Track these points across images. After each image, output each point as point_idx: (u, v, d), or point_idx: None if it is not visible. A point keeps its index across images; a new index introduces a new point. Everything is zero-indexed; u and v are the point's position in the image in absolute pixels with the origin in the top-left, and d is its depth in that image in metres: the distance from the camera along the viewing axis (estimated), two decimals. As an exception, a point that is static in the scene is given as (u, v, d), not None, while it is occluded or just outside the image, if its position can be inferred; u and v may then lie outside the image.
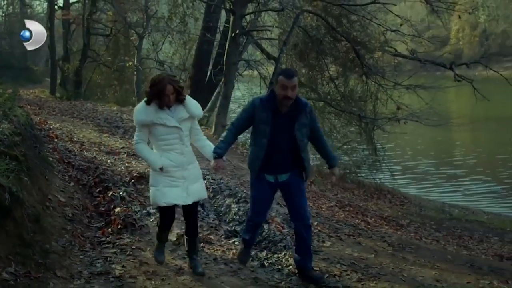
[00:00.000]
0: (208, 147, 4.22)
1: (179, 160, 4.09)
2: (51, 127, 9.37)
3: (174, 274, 4.12)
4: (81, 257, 4.18)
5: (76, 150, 7.82)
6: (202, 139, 4.29)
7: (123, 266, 4.09)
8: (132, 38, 20.77)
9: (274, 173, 4.16)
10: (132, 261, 4.22)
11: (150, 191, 4.20)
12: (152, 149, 4.22)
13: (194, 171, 4.21)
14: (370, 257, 5.07)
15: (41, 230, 4.11)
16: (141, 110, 4.10)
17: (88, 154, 7.72)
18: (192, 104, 4.18)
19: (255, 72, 14.59)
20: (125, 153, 8.20)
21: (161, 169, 4.06)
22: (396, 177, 14.29)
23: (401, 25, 11.98)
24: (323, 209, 7.72)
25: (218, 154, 4.13)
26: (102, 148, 8.43)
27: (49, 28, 19.54)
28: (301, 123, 4.07)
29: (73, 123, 10.77)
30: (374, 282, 4.30)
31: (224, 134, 4.33)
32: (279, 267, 4.48)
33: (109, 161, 7.49)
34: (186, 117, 4.13)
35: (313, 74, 12.32)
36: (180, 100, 4.10)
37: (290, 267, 4.43)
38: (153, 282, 3.89)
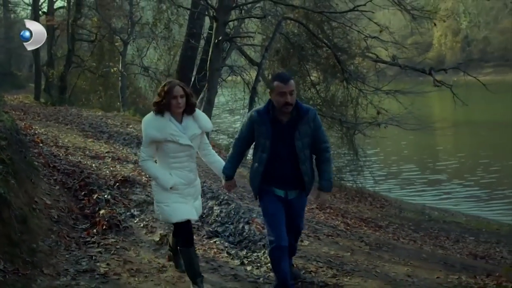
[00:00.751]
0: (218, 163, 4.12)
1: (188, 177, 3.96)
2: (36, 132, 9.46)
3: (157, 271, 4.30)
4: (67, 256, 4.34)
5: (61, 155, 7.94)
6: (211, 154, 4.16)
7: (107, 264, 4.26)
8: (116, 44, 20.82)
9: (284, 187, 3.94)
10: (116, 260, 4.39)
11: (158, 207, 4.01)
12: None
13: (198, 187, 4.15)
14: (346, 255, 5.29)
15: (28, 230, 4.26)
16: (151, 124, 3.87)
17: (73, 159, 7.84)
18: (203, 118, 4.03)
19: (239, 78, 14.84)
20: (110, 157, 8.34)
21: (171, 187, 3.91)
22: (379, 181, 14.60)
23: (380, 31, 12.26)
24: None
25: (227, 176, 4.06)
26: (87, 152, 8.54)
27: (34, 34, 19.61)
28: (303, 132, 3.81)
29: (58, 128, 10.85)
30: (348, 277, 4.52)
31: (229, 152, 4.16)
32: (258, 264, 4.67)
33: (94, 165, 7.61)
34: (199, 134, 3.97)
35: (295, 80, 12.53)
36: (191, 107, 3.90)
37: (269, 264, 4.62)
38: (136, 279, 4.07)
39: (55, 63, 22.65)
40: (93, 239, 4.82)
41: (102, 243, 4.72)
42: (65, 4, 23.08)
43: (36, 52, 20.74)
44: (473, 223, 11.01)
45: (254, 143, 4.01)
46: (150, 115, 3.89)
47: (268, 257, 4.75)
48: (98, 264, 4.24)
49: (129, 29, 19.29)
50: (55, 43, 23.50)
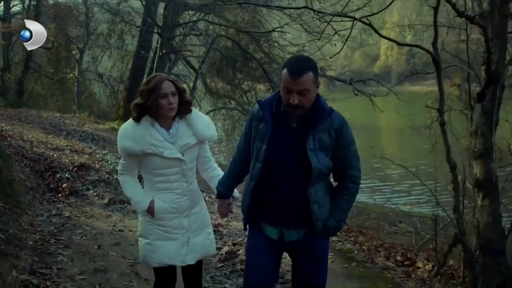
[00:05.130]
0: (218, 178, 3.12)
1: (178, 203, 2.98)
2: (3, 128, 11.11)
3: (105, 217, 6.23)
4: (41, 207, 6.23)
5: (27, 147, 9.68)
6: (211, 168, 3.19)
7: (70, 212, 6.17)
8: (73, 52, 22.32)
9: (278, 223, 2.72)
10: (76, 210, 6.31)
11: (139, 243, 3.10)
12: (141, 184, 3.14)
13: (199, 216, 3.09)
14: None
15: (13, 189, 6.10)
16: (127, 132, 2.93)
17: (37, 150, 9.60)
18: (203, 122, 3.04)
19: (185, 85, 16.82)
20: (68, 149, 10.14)
21: (149, 211, 2.97)
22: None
23: (303, 46, 14.49)
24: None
25: (220, 194, 3.03)
26: (49, 145, 10.30)
27: (-10, 39, 20.97)
28: (319, 139, 2.61)
29: (22, 126, 12.49)
30: (225, 220, 6.49)
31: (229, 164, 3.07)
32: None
33: (55, 155, 9.41)
34: (193, 144, 3.00)
35: (230, 88, 14.71)
36: (184, 108, 2.95)
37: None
38: (90, 220, 6.00)
39: (12, 68, 23.80)
40: (59, 200, 6.71)
41: (65, 202, 6.63)
42: (22, 11, 24.25)
43: (-9, 57, 21.87)
44: (373, 208, 13.25)
45: None
46: (128, 122, 2.98)
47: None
48: (64, 212, 6.13)
49: (85, 39, 20.91)
50: (12, 49, 24.65)
